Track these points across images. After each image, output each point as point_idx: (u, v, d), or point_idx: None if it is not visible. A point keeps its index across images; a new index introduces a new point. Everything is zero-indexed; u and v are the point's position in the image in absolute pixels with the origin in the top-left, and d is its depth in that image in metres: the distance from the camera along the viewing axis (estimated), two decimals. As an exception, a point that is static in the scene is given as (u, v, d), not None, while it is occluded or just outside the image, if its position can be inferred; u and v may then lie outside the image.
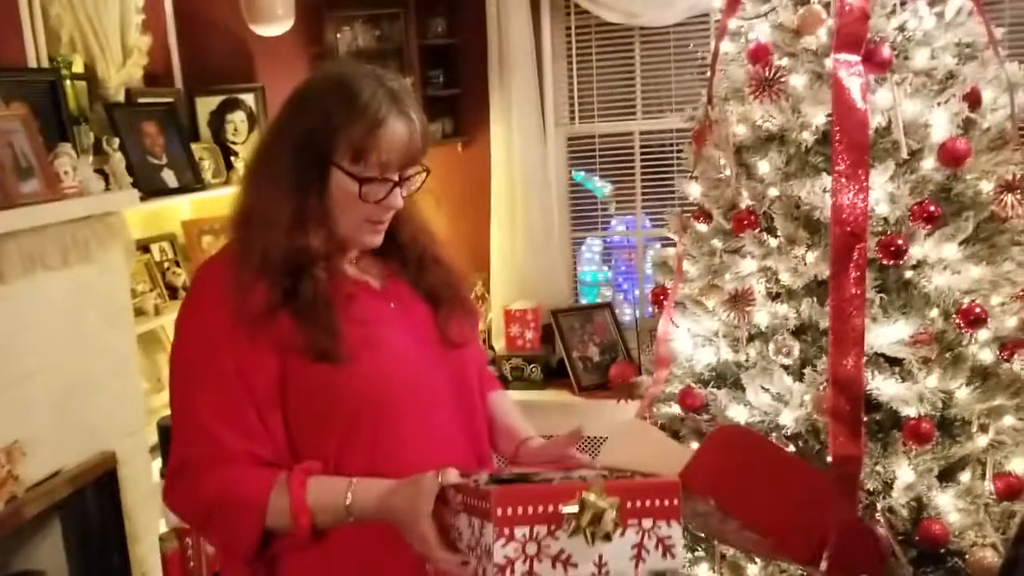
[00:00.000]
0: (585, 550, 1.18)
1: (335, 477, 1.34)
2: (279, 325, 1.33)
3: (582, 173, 3.91)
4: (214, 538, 1.43)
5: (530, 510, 1.17)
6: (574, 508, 1.17)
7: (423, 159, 1.41)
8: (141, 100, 3.38)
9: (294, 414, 1.36)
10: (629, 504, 1.20)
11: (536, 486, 1.25)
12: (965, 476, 2.02)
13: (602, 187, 3.91)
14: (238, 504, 1.31)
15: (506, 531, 1.16)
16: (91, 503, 2.58)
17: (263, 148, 1.42)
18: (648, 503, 1.21)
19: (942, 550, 1.97)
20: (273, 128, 1.41)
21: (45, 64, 2.93)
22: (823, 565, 1.34)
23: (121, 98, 3.25)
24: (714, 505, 1.45)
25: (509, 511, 1.16)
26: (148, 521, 2.78)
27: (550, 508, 1.17)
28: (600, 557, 1.19)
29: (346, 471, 1.35)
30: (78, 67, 3.09)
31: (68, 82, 2.98)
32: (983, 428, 2.00)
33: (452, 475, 1.25)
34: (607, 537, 1.18)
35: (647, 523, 1.21)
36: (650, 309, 3.35)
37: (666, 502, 1.22)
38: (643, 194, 3.81)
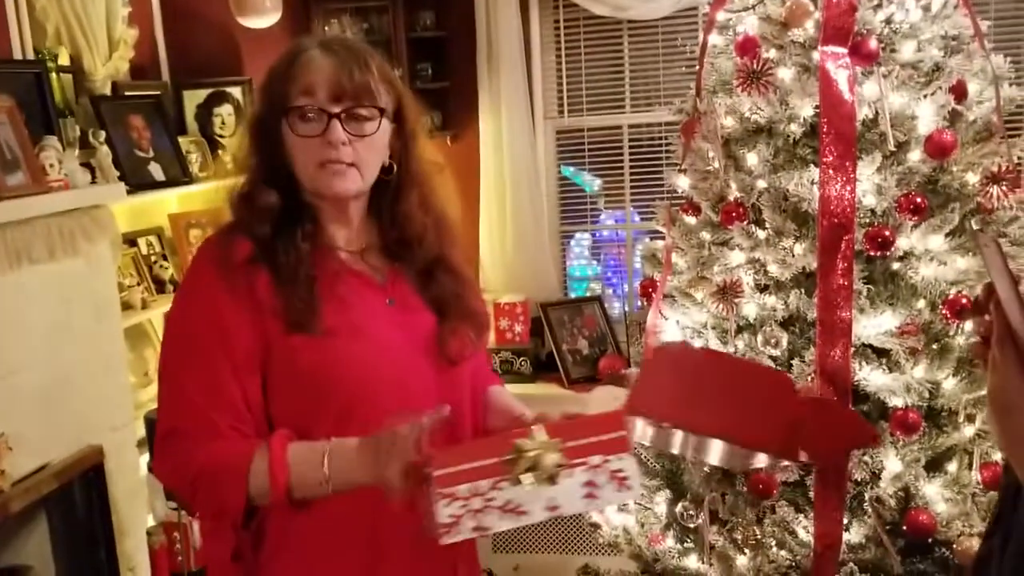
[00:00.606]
0: (532, 495, 1.20)
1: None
2: (259, 282, 1.35)
3: (571, 168, 3.91)
4: (201, 506, 1.42)
5: (470, 465, 1.19)
6: (511, 457, 1.19)
7: (369, 99, 1.38)
8: (127, 93, 3.35)
9: (272, 385, 1.37)
10: (571, 443, 1.21)
11: (473, 441, 1.26)
12: (952, 466, 2.04)
13: (591, 182, 3.91)
14: (223, 469, 1.32)
15: (448, 491, 1.18)
16: (78, 497, 2.57)
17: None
18: (594, 439, 1.23)
19: (930, 540, 1.98)
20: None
21: (30, 56, 2.90)
22: (802, 454, 1.35)
23: (107, 91, 3.22)
24: (668, 426, 1.45)
25: (449, 470, 1.18)
26: (135, 515, 2.77)
27: (491, 460, 1.19)
28: (551, 499, 1.21)
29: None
30: (64, 60, 3.07)
31: (54, 75, 2.96)
32: (970, 418, 2.02)
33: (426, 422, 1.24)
34: (552, 480, 1.20)
35: (595, 459, 1.23)
36: (639, 302, 3.36)
37: (613, 435, 1.24)
38: (632, 188, 3.81)
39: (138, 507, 2.79)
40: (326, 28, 3.59)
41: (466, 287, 1.53)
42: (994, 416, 1.01)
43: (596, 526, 2.45)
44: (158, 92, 3.53)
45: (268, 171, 1.41)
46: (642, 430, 1.48)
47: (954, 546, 1.97)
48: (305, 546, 1.38)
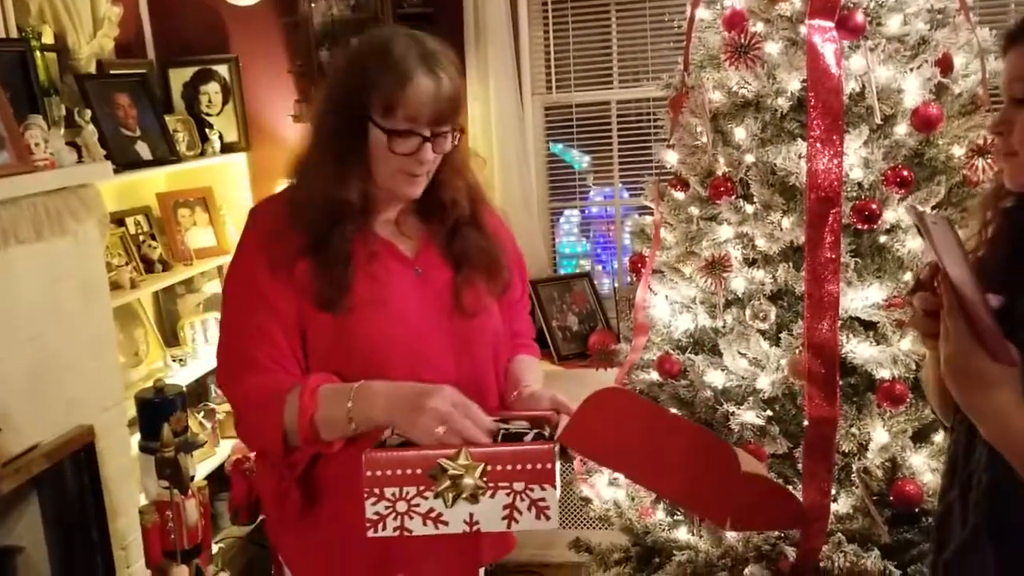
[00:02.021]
0: (454, 509, 1.31)
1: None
2: (298, 270, 1.46)
3: (560, 145, 3.90)
4: (244, 435, 1.55)
5: (399, 472, 1.30)
6: (433, 473, 1.30)
7: (455, 119, 1.49)
8: (113, 71, 3.33)
9: (308, 354, 1.50)
10: (494, 468, 1.30)
11: (405, 452, 1.34)
12: (938, 437, 2.05)
13: (579, 159, 3.91)
14: (262, 402, 1.45)
15: (375, 491, 1.31)
16: (69, 477, 2.57)
17: (318, 106, 1.54)
18: (518, 467, 1.31)
19: (916, 509, 2.00)
20: (324, 88, 1.54)
21: (14, 35, 2.87)
22: (728, 524, 1.38)
23: (92, 69, 3.20)
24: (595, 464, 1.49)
25: (378, 473, 1.31)
26: (127, 495, 2.78)
27: (418, 471, 1.30)
28: (471, 516, 1.31)
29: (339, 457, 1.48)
30: (48, 38, 3.04)
31: (38, 53, 2.93)
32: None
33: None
34: (473, 498, 1.30)
35: (518, 486, 1.31)
36: (628, 278, 3.36)
37: (539, 466, 1.30)
38: (620, 164, 3.81)
39: (130, 486, 2.80)
40: (312, 4, 3.56)
41: (493, 243, 1.61)
42: (950, 379, 1.09)
43: (587, 500, 2.46)
44: (144, 70, 3.50)
45: (345, 162, 1.47)
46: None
47: (940, 515, 1.99)
48: (348, 499, 1.44)
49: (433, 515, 1.32)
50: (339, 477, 1.49)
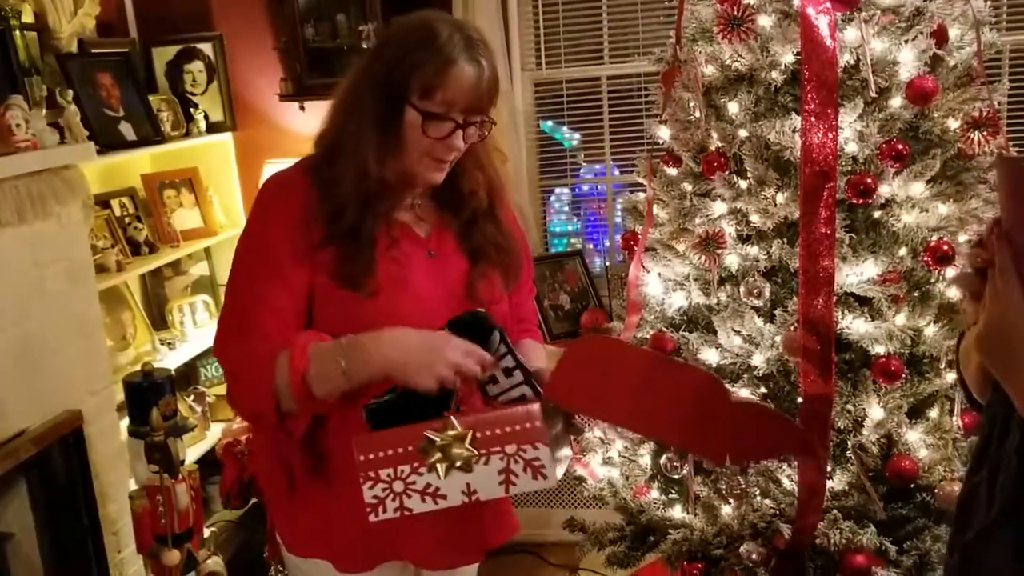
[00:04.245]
0: (449, 481, 1.30)
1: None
2: (320, 246, 1.46)
3: (550, 123, 3.86)
4: (234, 400, 1.52)
5: (390, 452, 1.29)
6: (423, 446, 1.29)
7: (489, 110, 1.49)
8: (95, 51, 3.26)
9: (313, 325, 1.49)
10: (483, 434, 1.29)
11: (394, 429, 1.32)
12: (934, 412, 2.05)
13: (570, 137, 3.87)
14: (254, 365, 1.43)
15: (371, 474, 1.30)
16: (58, 463, 2.54)
17: (352, 83, 1.51)
18: (507, 429, 1.29)
19: (911, 485, 2.00)
20: (362, 65, 1.51)
21: (-8, 14, 2.82)
22: (727, 459, 1.36)
23: (74, 49, 3.14)
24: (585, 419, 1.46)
25: (371, 456, 1.30)
26: (117, 480, 2.75)
27: (409, 448, 1.29)
28: (468, 486, 1.30)
29: (336, 420, 1.49)
30: (28, 17, 2.97)
31: (17, 33, 2.87)
32: (951, 364, 2.02)
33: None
34: (467, 468, 1.29)
35: (510, 448, 1.29)
36: (620, 256, 3.34)
37: (527, 426, 1.29)
38: (612, 141, 3.77)
39: (119, 471, 2.77)
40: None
41: (508, 240, 1.63)
42: (987, 347, 0.99)
43: (581, 479, 2.45)
44: (126, 49, 3.44)
45: (384, 141, 1.46)
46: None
47: (935, 491, 1.99)
48: (349, 471, 1.43)
49: (431, 490, 1.30)
50: (342, 448, 1.47)
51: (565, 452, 1.42)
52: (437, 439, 1.29)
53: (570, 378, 1.31)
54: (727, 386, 1.32)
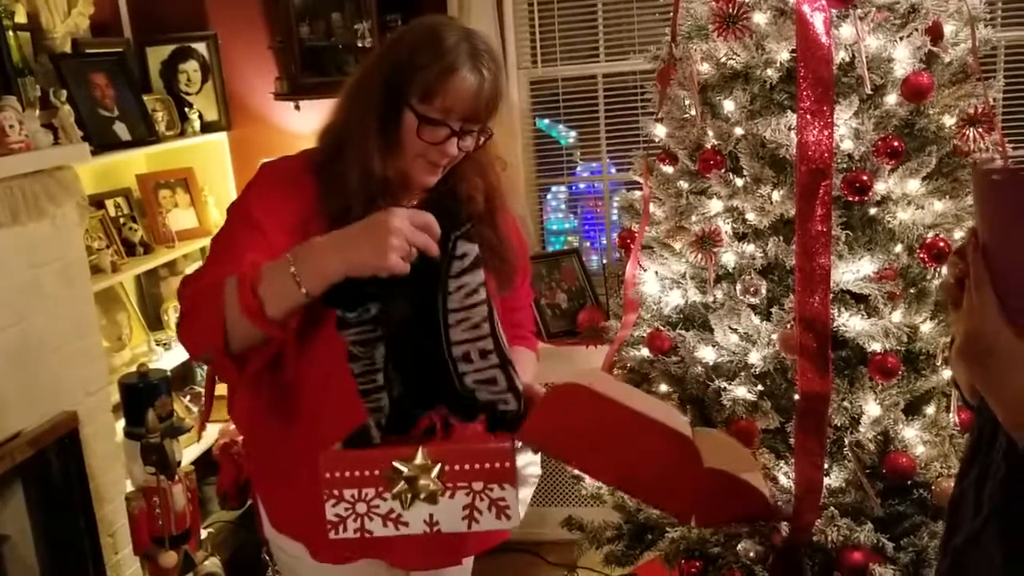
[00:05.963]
0: (412, 511, 1.28)
1: None
2: (315, 231, 1.40)
3: (546, 121, 3.86)
4: (190, 332, 1.46)
5: (356, 474, 1.27)
6: (390, 475, 1.27)
7: (488, 120, 1.50)
8: (89, 51, 3.26)
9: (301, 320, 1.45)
10: (452, 468, 1.27)
11: (363, 451, 1.30)
12: (930, 409, 2.05)
13: (566, 135, 3.86)
14: (203, 297, 1.40)
15: (335, 492, 1.28)
16: (54, 464, 2.53)
17: (360, 78, 1.52)
18: (476, 466, 1.27)
19: (908, 482, 2.00)
20: (370, 62, 1.53)
21: (-15, 14, 2.81)
22: (693, 520, 1.36)
23: (68, 49, 3.13)
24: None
25: (336, 474, 1.27)
26: (113, 481, 2.75)
27: (375, 472, 1.27)
28: (431, 516, 1.28)
29: (304, 376, 1.51)
30: (21, 17, 2.97)
31: (11, 33, 2.86)
32: (947, 361, 2.02)
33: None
34: (431, 500, 1.27)
35: (477, 486, 1.27)
36: (617, 254, 3.34)
37: (496, 465, 1.27)
38: (608, 139, 3.77)
39: (116, 472, 2.77)
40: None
41: (504, 246, 1.60)
42: (966, 360, 0.98)
43: (578, 478, 2.45)
44: (120, 49, 3.43)
45: (385, 140, 1.46)
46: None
47: (932, 487, 1.99)
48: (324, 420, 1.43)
49: (393, 516, 1.29)
50: (311, 391, 1.48)
51: (527, 492, 1.40)
52: (404, 469, 1.27)
53: (547, 422, 1.28)
54: (699, 453, 1.30)
